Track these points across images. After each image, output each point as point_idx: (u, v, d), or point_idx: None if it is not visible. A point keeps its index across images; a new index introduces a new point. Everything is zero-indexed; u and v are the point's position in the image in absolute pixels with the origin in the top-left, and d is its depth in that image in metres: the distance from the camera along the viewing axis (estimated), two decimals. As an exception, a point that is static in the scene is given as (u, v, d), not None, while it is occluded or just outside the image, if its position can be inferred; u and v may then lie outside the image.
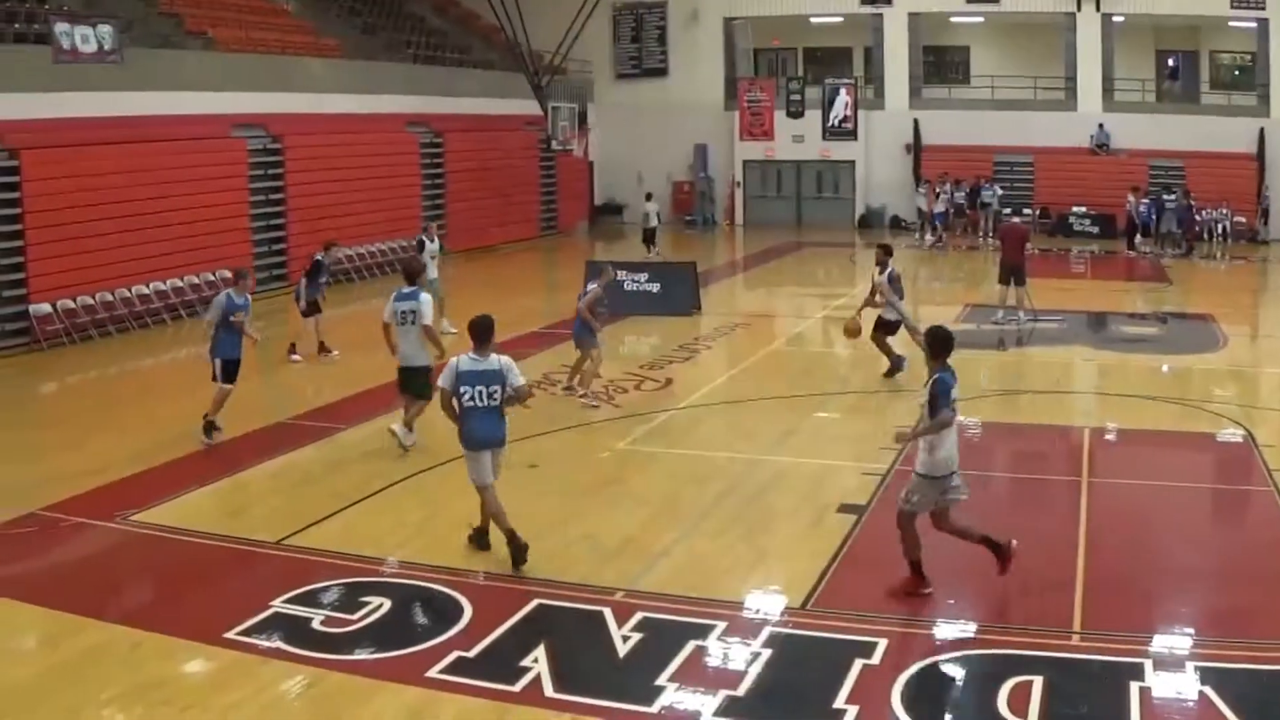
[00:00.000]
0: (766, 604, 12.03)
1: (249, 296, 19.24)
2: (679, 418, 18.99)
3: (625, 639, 11.22)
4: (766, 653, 10.89)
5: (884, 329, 21.87)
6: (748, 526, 14.16)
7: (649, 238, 41.15)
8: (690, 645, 11.01)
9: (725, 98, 53.26)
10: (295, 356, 23.87)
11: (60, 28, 28.27)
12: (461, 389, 13.12)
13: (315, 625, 11.74)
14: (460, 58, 49.06)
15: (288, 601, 12.27)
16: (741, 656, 10.82)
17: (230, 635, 11.47)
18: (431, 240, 28.05)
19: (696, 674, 10.53)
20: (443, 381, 13.30)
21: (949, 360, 12.36)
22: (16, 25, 29.91)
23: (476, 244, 43.72)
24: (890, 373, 21.93)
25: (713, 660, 10.85)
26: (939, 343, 12.43)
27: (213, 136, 33.28)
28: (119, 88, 30.17)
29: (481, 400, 13.14)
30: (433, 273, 27.10)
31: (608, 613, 11.74)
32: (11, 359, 25.93)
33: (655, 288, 29.72)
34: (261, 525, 14.79)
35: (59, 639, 11.61)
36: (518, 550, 13.11)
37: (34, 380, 24.99)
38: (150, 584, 13.47)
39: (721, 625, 11.43)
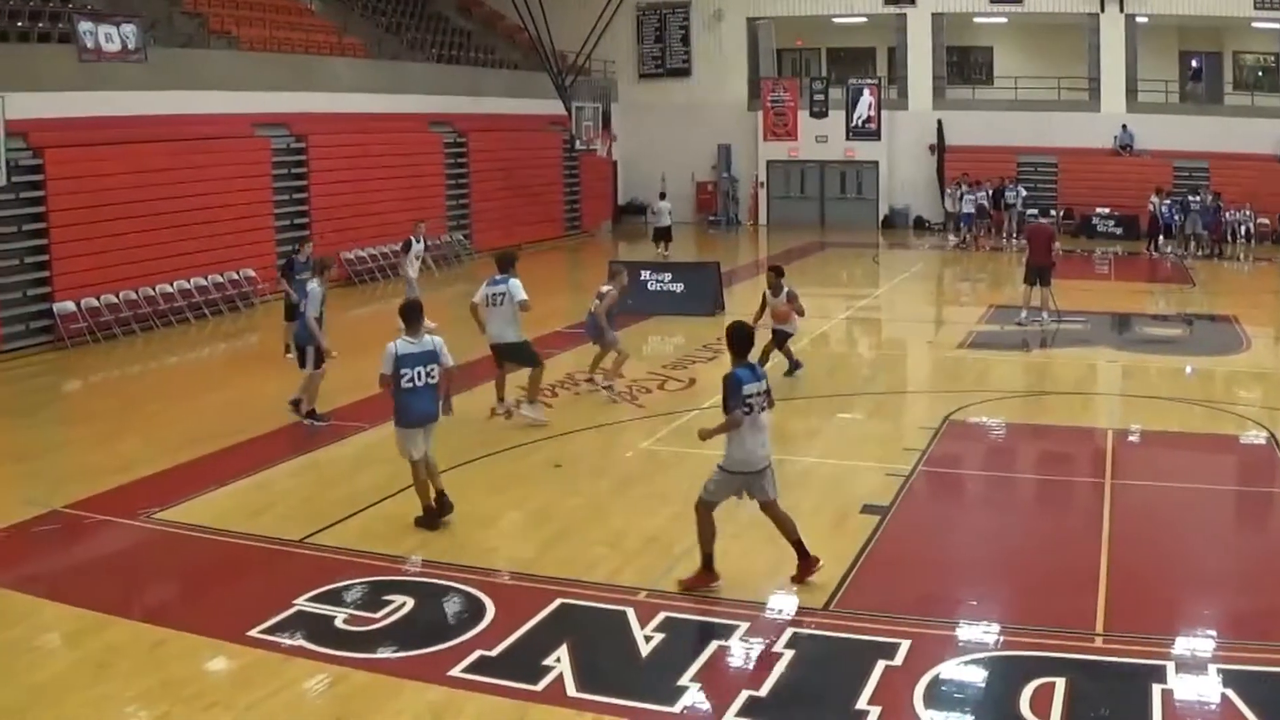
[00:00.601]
0: (789, 604, 12.01)
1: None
2: (703, 418, 18.93)
3: (648, 639, 11.21)
4: (789, 653, 10.85)
5: (781, 336, 21.86)
6: (771, 527, 14.05)
7: (661, 236, 41.15)
8: (713, 645, 11.02)
9: (749, 98, 53.13)
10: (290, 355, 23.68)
11: (84, 27, 28.33)
12: (402, 371, 14.07)
13: (338, 624, 11.74)
14: (484, 57, 49.11)
15: (311, 600, 12.27)
16: (764, 657, 10.80)
17: (253, 633, 11.47)
18: (419, 241, 28.05)
19: (719, 674, 10.52)
20: (384, 368, 14.18)
21: (749, 357, 12.44)
22: (41, 24, 30.11)
23: (501, 243, 43.47)
24: (790, 372, 22.14)
25: (735, 660, 10.83)
26: (734, 339, 12.46)
27: (236, 136, 33.38)
28: (143, 87, 30.27)
29: (420, 380, 14.19)
30: (413, 273, 27.20)
31: (630, 612, 11.73)
32: (36, 357, 26.02)
33: (679, 288, 29.71)
34: (284, 524, 14.79)
35: (82, 636, 11.62)
36: (444, 507, 14.44)
37: (58, 378, 25.07)
38: (173, 582, 13.49)
39: (744, 625, 11.41)
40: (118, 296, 28.30)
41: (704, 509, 12.35)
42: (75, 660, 11.13)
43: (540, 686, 10.30)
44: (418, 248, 27.67)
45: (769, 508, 12.52)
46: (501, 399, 19.63)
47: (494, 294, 18.84)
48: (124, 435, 19.36)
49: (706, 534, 12.36)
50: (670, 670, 10.53)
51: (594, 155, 48.82)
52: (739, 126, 52.85)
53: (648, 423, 19.12)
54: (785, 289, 21.80)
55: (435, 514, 14.46)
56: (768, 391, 12.30)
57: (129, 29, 29.02)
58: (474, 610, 11.96)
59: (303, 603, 12.22)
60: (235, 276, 31.64)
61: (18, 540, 14.68)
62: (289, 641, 11.34)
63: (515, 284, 18.79)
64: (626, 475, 16.76)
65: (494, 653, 10.97)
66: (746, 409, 12.03)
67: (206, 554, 14.08)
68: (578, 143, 46.40)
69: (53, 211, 27.36)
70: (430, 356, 14.27)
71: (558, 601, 12.09)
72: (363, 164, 37.28)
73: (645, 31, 54.46)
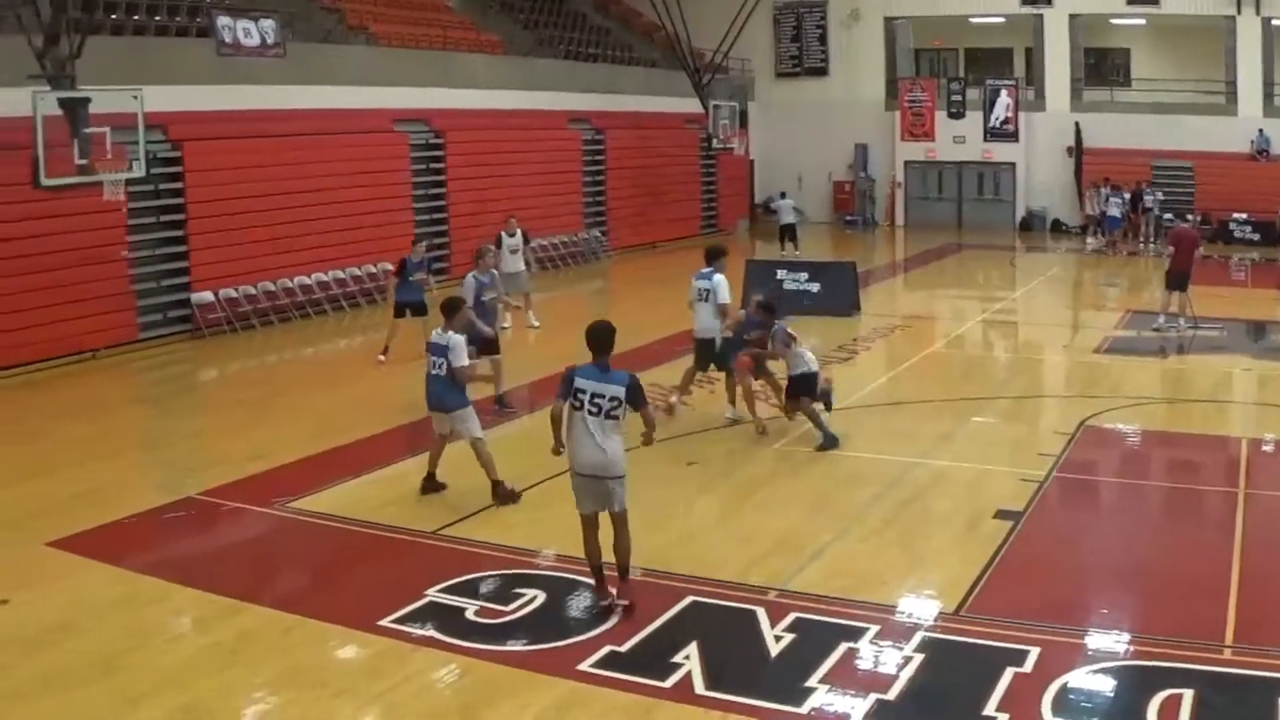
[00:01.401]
0: (919, 608, 11.83)
1: (494, 273, 20.74)
2: (837, 418, 18.67)
3: (777, 639, 11.08)
4: (918, 657, 10.69)
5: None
6: (902, 530, 13.91)
7: (785, 235, 40.83)
8: (842, 647, 10.85)
9: (886, 97, 52.74)
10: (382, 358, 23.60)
11: (222, 21, 28.63)
12: (431, 358, 15.17)
13: (469, 615, 11.76)
14: (621, 55, 49.16)
15: (442, 591, 12.31)
16: (893, 660, 10.63)
17: (384, 623, 11.50)
18: (511, 235, 27.86)
19: (847, 676, 10.37)
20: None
21: (602, 358, 11.73)
22: (179, 19, 30.55)
23: (637, 241, 43.84)
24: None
25: (864, 663, 10.66)
26: (587, 337, 11.83)
27: (375, 131, 33.64)
28: (281, 81, 30.55)
29: (433, 369, 15.14)
30: (518, 266, 27.31)
31: (760, 612, 11.60)
32: (174, 346, 26.35)
33: (815, 287, 29.47)
34: (418, 515, 14.84)
35: (213, 621, 11.71)
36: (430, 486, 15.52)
37: (195, 367, 25.36)
38: (305, 570, 13.54)
39: (874, 628, 11.24)
40: (255, 288, 28.63)
41: (582, 522, 11.93)
42: (206, 645, 11.21)
43: (668, 684, 10.22)
44: (511, 242, 27.50)
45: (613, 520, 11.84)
46: (688, 392, 19.88)
47: (701, 288, 19.07)
48: (259, 424, 19.49)
49: (588, 550, 11.97)
50: (799, 671, 10.40)
51: (731, 154, 48.63)
52: (876, 126, 52.41)
53: (781, 422, 18.86)
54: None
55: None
56: (616, 400, 11.45)
57: (267, 24, 29.27)
58: (605, 606, 11.86)
59: (434, 593, 12.25)
60: (372, 270, 31.81)
61: (150, 525, 14.90)
62: (419, 631, 11.38)
63: (721, 282, 19.09)
64: (759, 475, 16.63)
65: (623, 648, 10.92)
66: (576, 404, 11.55)
67: (339, 543, 14.18)
68: (714, 141, 46.20)
69: (191, 203, 27.74)
70: (443, 350, 15.08)
71: (688, 599, 12.00)
72: (500, 160, 37.36)
73: (782, 30, 54.20)
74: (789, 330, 18.34)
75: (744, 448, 17.83)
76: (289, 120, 30.84)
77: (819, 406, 17.99)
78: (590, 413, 11.43)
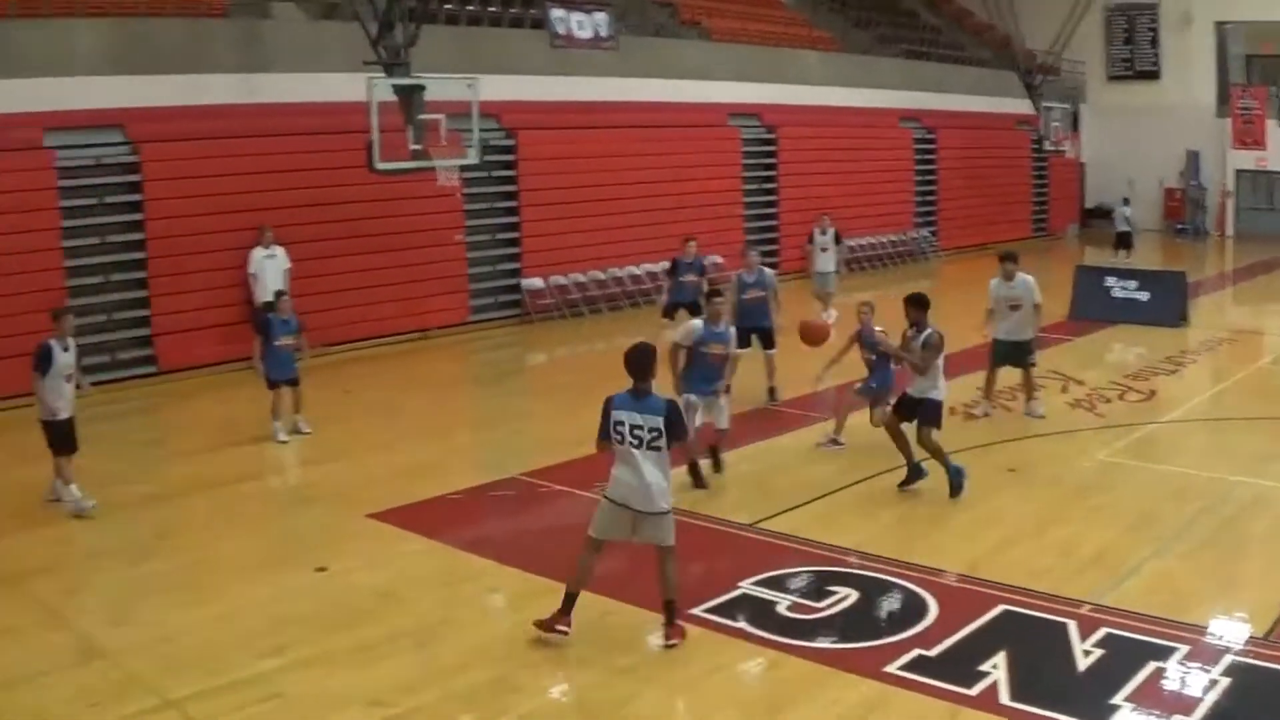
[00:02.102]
0: (1230, 631, 11.16)
1: (763, 270, 20.41)
2: (1161, 432, 18.03)
3: (1086, 653, 10.63)
4: (1225, 681, 10.11)
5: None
6: (1221, 549, 13.27)
7: (1120, 242, 39.71)
8: (1150, 666, 10.32)
9: (1218, 103, 50.81)
10: None
11: (556, 14, 29.11)
12: None
13: (781, 610, 11.62)
14: (953, 54, 48.45)
15: (757, 584, 12.19)
16: (1199, 683, 10.07)
17: (696, 612, 11.43)
18: (824, 233, 27.66)
19: (1153, 696, 9.86)
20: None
21: (641, 384, 11.11)
22: (513, 10, 31.17)
23: (967, 243, 43.16)
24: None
25: (1170, 684, 10.11)
26: (625, 361, 11.20)
27: (709, 125, 33.82)
28: (612, 74, 30.91)
29: None
30: (829, 265, 27.02)
31: (1072, 625, 11.15)
32: (502, 330, 26.91)
33: (1144, 296, 28.54)
34: (737, 507, 14.77)
35: (528, 599, 11.78)
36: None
37: (523, 351, 25.82)
38: (622, 555, 13.42)
39: (1183, 649, 10.65)
40: (585, 275, 29.07)
41: (586, 543, 11.18)
42: (519, 622, 11.25)
43: (974, 691, 9.90)
44: (823, 240, 27.36)
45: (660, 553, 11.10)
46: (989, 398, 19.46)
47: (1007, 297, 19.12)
48: (585, 409, 19.32)
49: (579, 571, 11.10)
50: (1105, 688, 9.97)
51: (1062, 157, 47.58)
52: (1207, 133, 50.26)
53: (1106, 433, 18.27)
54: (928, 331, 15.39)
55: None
56: (655, 431, 10.78)
57: (601, 17, 29.62)
58: (916, 608, 11.63)
59: (748, 586, 12.15)
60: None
61: (475, 503, 15.22)
62: (731, 623, 11.29)
63: (1025, 281, 19.17)
64: (1081, 485, 15.99)
65: (932, 653, 10.63)
66: (617, 437, 10.89)
67: (658, 531, 14.07)
68: (1046, 143, 45.23)
69: (523, 191, 28.30)
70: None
71: (1000, 607, 11.61)
72: (831, 157, 37.25)
73: (1114, 33, 52.60)
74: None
75: (1066, 455, 17.26)
76: (621, 112, 31.16)
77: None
78: (632, 445, 10.81)
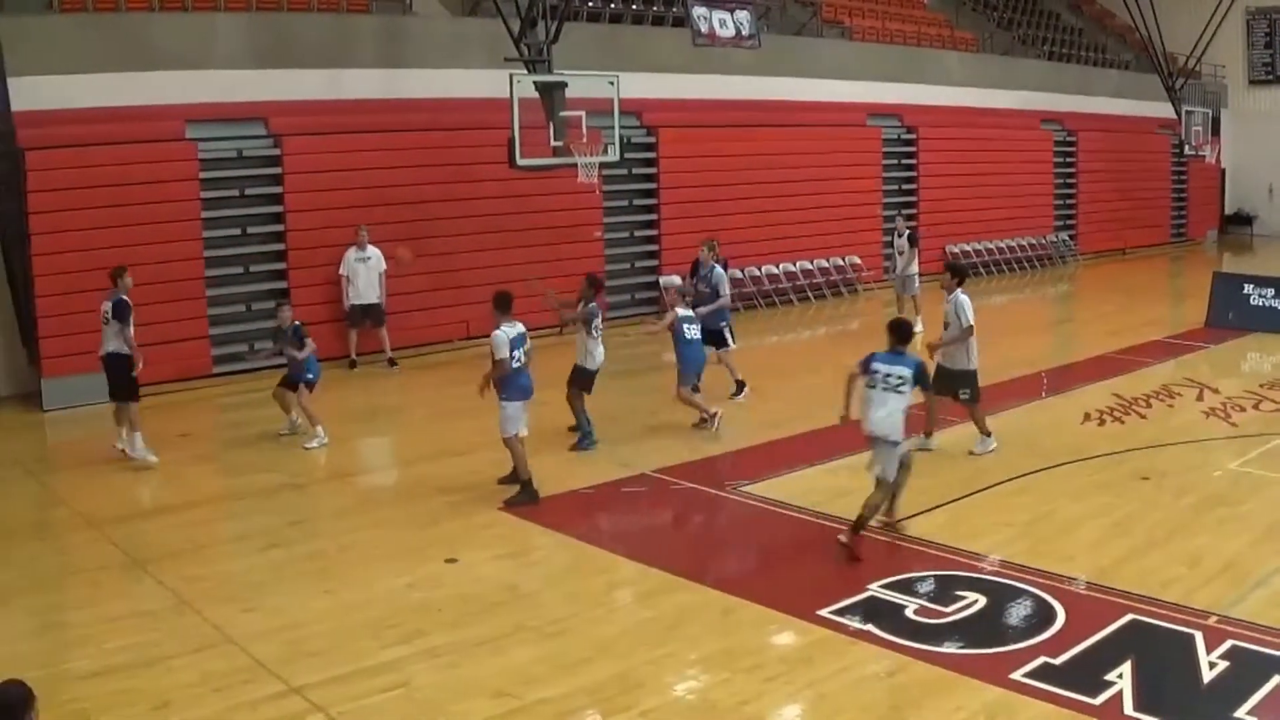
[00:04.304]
0: (1355, 648, 10.98)
1: None
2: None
3: (1211, 665, 10.44)
4: (1349, 697, 9.95)
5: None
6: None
7: None
8: (1275, 680, 10.11)
9: (1355, 110, 49.88)
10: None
11: (698, 12, 29.04)
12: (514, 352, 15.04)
13: (908, 613, 11.55)
14: (1094, 56, 47.91)
15: (884, 587, 12.13)
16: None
17: (823, 613, 11.40)
18: (900, 235, 27.49)
19: (1278, 711, 9.68)
20: (499, 353, 15.00)
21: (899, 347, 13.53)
22: (655, 8, 31.27)
23: (1105, 247, 42.74)
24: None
25: (1293, 698, 9.99)
26: (890, 329, 13.86)
27: (849, 124, 33.75)
28: (754, 73, 30.85)
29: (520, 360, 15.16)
30: (908, 269, 26.98)
31: (1198, 637, 10.95)
32: (636, 326, 26.76)
33: (1283, 303, 28.02)
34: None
35: (654, 596, 11.86)
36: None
37: (661, 349, 25.71)
38: (749, 553, 13.55)
39: (1312, 663, 10.52)
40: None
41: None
42: (645, 618, 11.35)
43: (1098, 701, 9.76)
44: (900, 243, 27.33)
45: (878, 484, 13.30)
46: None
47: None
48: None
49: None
50: (1229, 701, 9.78)
51: (1202, 162, 46.86)
52: (1346, 140, 49.59)
53: (1239, 442, 17.94)
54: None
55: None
56: (903, 378, 13.16)
57: (743, 15, 29.55)
58: (1044, 615, 11.51)
59: (876, 588, 12.08)
60: (840, 262, 31.99)
61: (606, 498, 15.28)
62: (858, 625, 11.22)
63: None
64: (1212, 495, 15.67)
65: (1058, 661, 10.51)
66: (870, 384, 13.26)
67: (786, 530, 14.14)
68: (1187, 148, 44.54)
69: (663, 189, 28.30)
70: (523, 338, 15.27)
71: (1128, 616, 11.44)
72: (971, 158, 36.99)
73: (1255, 36, 51.65)
74: None
75: (1198, 464, 16.97)
76: (762, 111, 31.13)
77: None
78: (882, 388, 13.18)
